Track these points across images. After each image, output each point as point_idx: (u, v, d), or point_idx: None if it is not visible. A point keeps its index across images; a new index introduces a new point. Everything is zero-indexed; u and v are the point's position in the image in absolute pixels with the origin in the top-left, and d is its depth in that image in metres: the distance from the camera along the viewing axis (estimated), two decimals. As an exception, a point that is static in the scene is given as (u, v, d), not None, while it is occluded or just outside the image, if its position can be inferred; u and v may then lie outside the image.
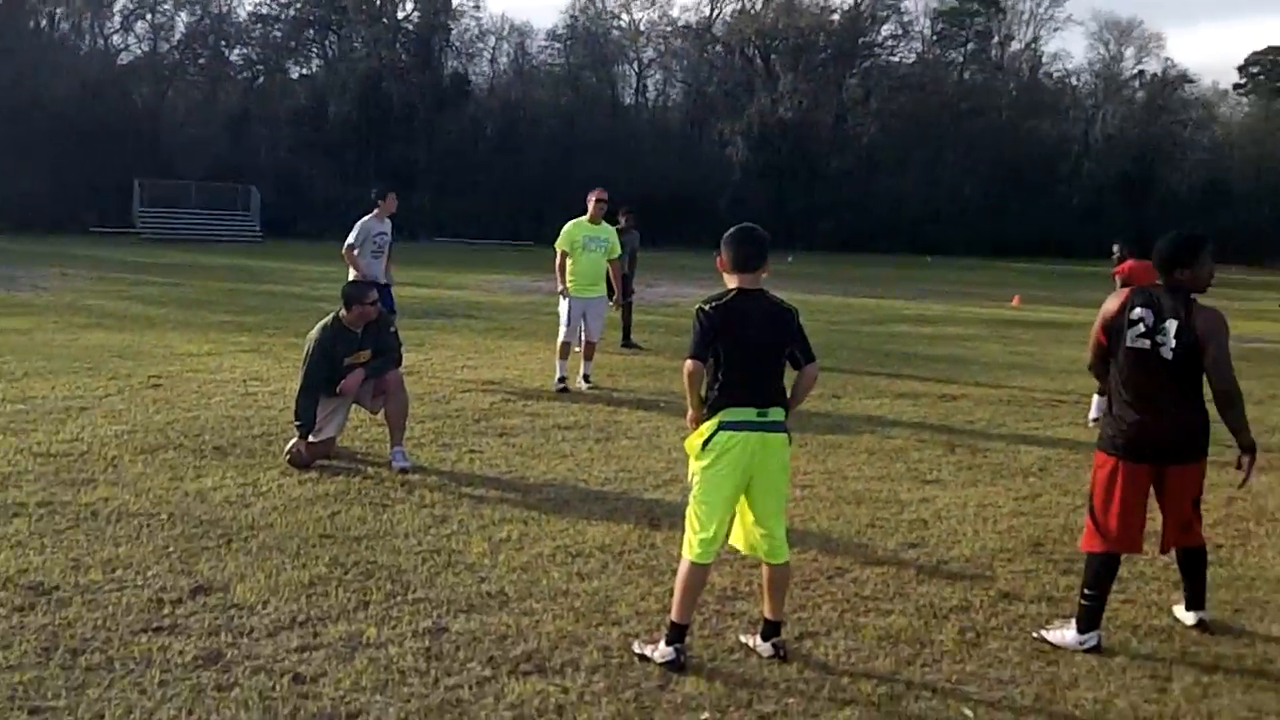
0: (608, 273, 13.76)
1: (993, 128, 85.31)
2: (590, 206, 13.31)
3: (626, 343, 17.16)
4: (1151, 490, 5.73)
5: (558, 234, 13.29)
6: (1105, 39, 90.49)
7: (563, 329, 13.18)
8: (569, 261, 13.18)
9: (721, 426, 5.13)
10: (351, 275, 12.26)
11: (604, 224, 13.49)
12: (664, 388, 13.09)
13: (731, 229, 5.41)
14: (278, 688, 4.76)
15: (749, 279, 5.28)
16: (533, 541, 6.93)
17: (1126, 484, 5.62)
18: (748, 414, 5.13)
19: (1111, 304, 5.82)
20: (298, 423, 8.66)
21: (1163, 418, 5.59)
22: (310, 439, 8.67)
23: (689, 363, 5.21)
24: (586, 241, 13.18)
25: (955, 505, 8.32)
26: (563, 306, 13.28)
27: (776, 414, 5.22)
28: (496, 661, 5.09)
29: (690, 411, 5.34)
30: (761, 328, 5.26)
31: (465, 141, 73.71)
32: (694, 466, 5.23)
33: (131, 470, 8.32)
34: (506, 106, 78.36)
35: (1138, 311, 5.64)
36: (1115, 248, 12.27)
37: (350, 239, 12.74)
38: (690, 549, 5.18)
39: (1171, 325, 5.53)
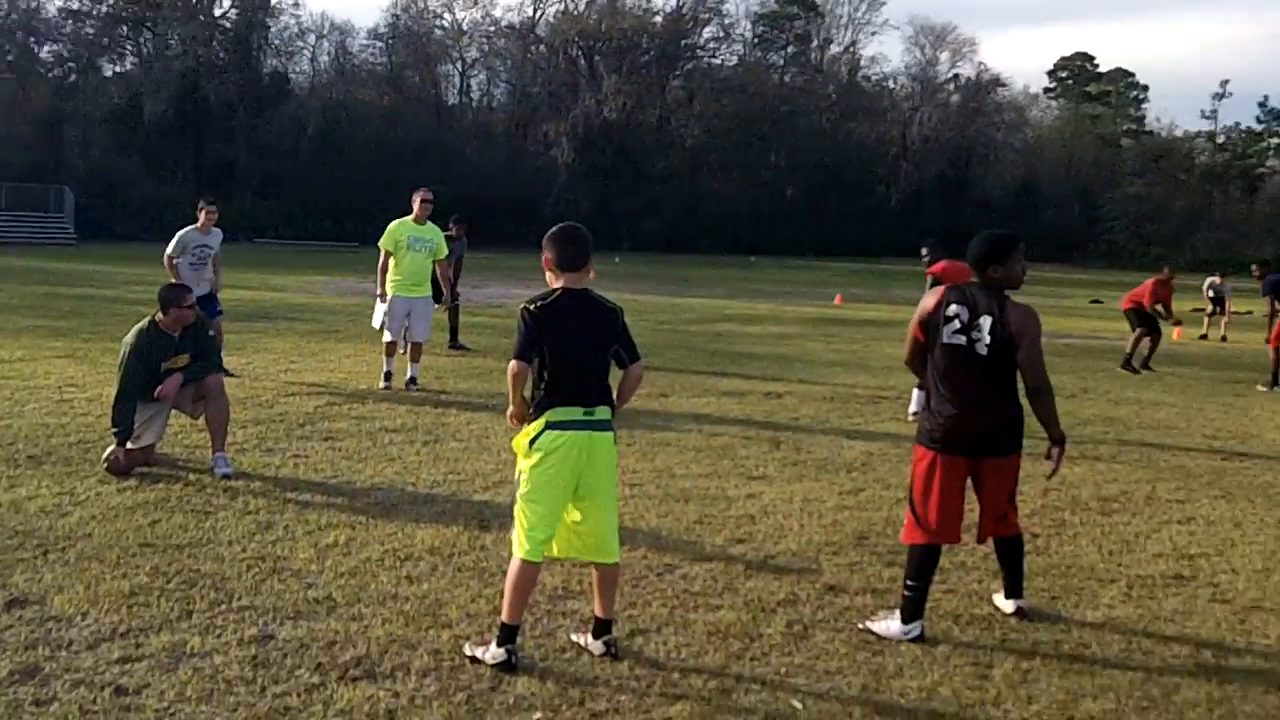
0: (434, 274, 13.70)
1: (813, 130, 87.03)
2: (415, 207, 13.23)
3: (454, 344, 17.06)
4: (969, 482, 5.90)
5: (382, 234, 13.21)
6: (921, 43, 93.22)
7: (381, 326, 13.27)
8: (392, 261, 13.09)
9: (548, 426, 5.12)
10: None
11: (429, 224, 13.40)
12: (492, 389, 13.04)
13: (555, 228, 5.39)
14: (99, 700, 4.61)
15: (574, 278, 5.27)
16: (360, 546, 6.84)
17: (945, 477, 5.77)
18: (574, 413, 5.14)
19: (928, 301, 5.97)
20: (115, 429, 8.39)
21: (979, 412, 5.75)
22: (129, 446, 8.41)
23: (513, 363, 5.18)
24: (411, 241, 13.10)
25: (781, 500, 8.45)
26: (381, 307, 13.25)
27: (603, 413, 5.23)
28: (325, 668, 5.01)
29: (512, 409, 5.33)
30: (587, 327, 5.26)
31: (286, 141, 72.58)
32: (522, 465, 5.21)
33: (-62, 482, 7.99)
34: (328, 106, 77.30)
35: (953, 308, 5.79)
36: (924, 250, 12.62)
37: (169, 249, 13.01)
38: (520, 547, 5.16)
39: (986, 321, 5.70)
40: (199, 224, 13.16)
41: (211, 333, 9.05)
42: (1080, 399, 14.43)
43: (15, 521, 7.06)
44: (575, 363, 5.19)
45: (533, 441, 5.14)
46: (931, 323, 5.86)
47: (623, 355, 5.35)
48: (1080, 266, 78.46)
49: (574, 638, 5.45)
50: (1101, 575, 6.97)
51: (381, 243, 13.19)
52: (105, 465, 8.36)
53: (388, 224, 13.29)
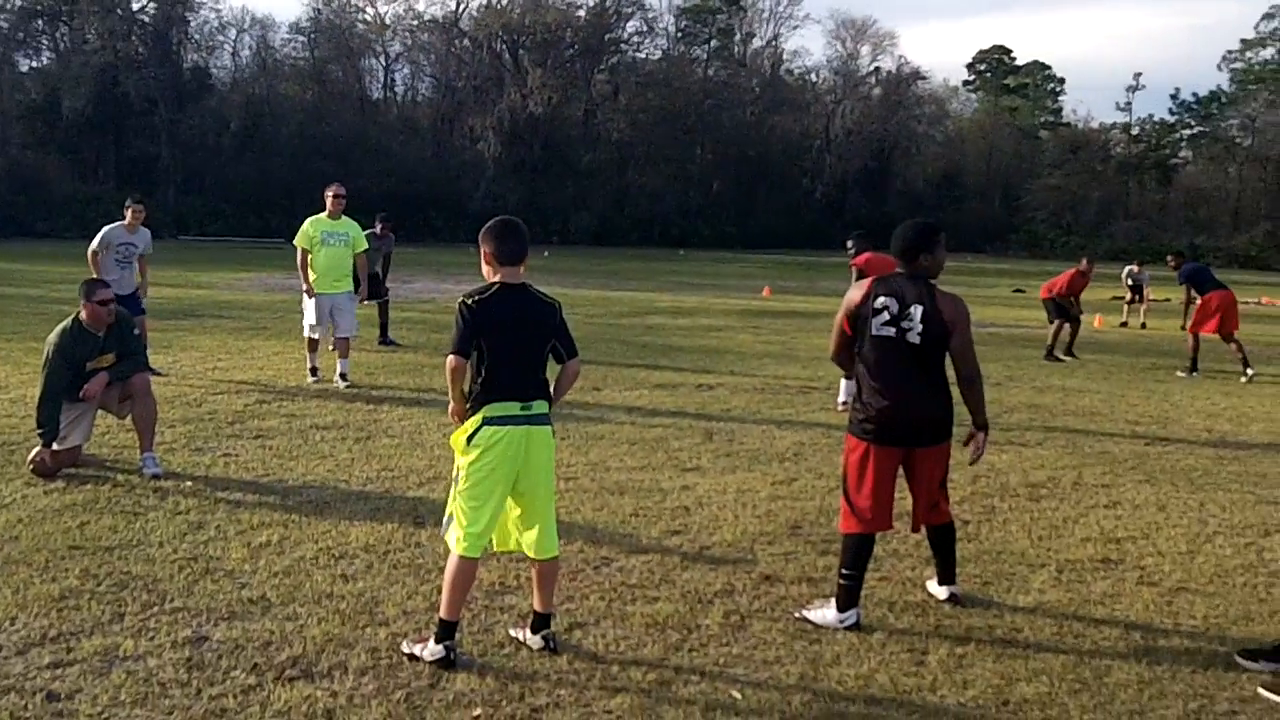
0: (355, 268, 13.65)
1: (738, 123, 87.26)
2: (329, 203, 13.25)
3: (384, 340, 16.97)
4: (901, 471, 5.96)
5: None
6: (842, 36, 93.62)
7: (307, 326, 13.29)
8: (310, 258, 13.10)
9: (486, 421, 5.10)
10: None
11: (345, 218, 13.35)
12: (424, 384, 12.98)
13: (492, 222, 5.36)
14: (30, 707, 4.55)
15: (512, 272, 5.26)
16: (294, 545, 6.78)
17: (878, 466, 5.82)
18: (512, 408, 5.13)
19: (855, 294, 6.00)
20: (40, 430, 8.25)
21: (912, 402, 5.81)
22: (55, 447, 8.28)
23: (451, 358, 5.15)
24: (326, 237, 13.11)
25: (715, 492, 8.49)
26: (308, 304, 13.21)
27: (540, 407, 5.23)
28: (261, 668, 4.97)
29: (453, 405, 5.31)
30: (525, 322, 5.24)
31: (209, 137, 71.68)
32: (460, 461, 5.19)
33: None
34: (251, 101, 76.42)
35: (881, 300, 5.84)
36: (849, 243, 12.71)
37: (93, 243, 12.95)
38: (458, 543, 5.13)
39: (917, 311, 5.75)
40: (126, 222, 13.10)
41: (136, 331, 8.91)
42: (1006, 387, 14.61)
43: (-61, 526, 6.94)
44: (513, 357, 5.17)
45: (470, 438, 5.12)
46: (860, 315, 5.90)
47: (560, 350, 5.35)
48: (1002, 256, 79.43)
49: (512, 632, 5.45)
50: (1032, 560, 7.06)
51: (297, 241, 13.26)
52: (31, 467, 8.22)
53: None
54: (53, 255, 37.60)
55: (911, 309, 5.77)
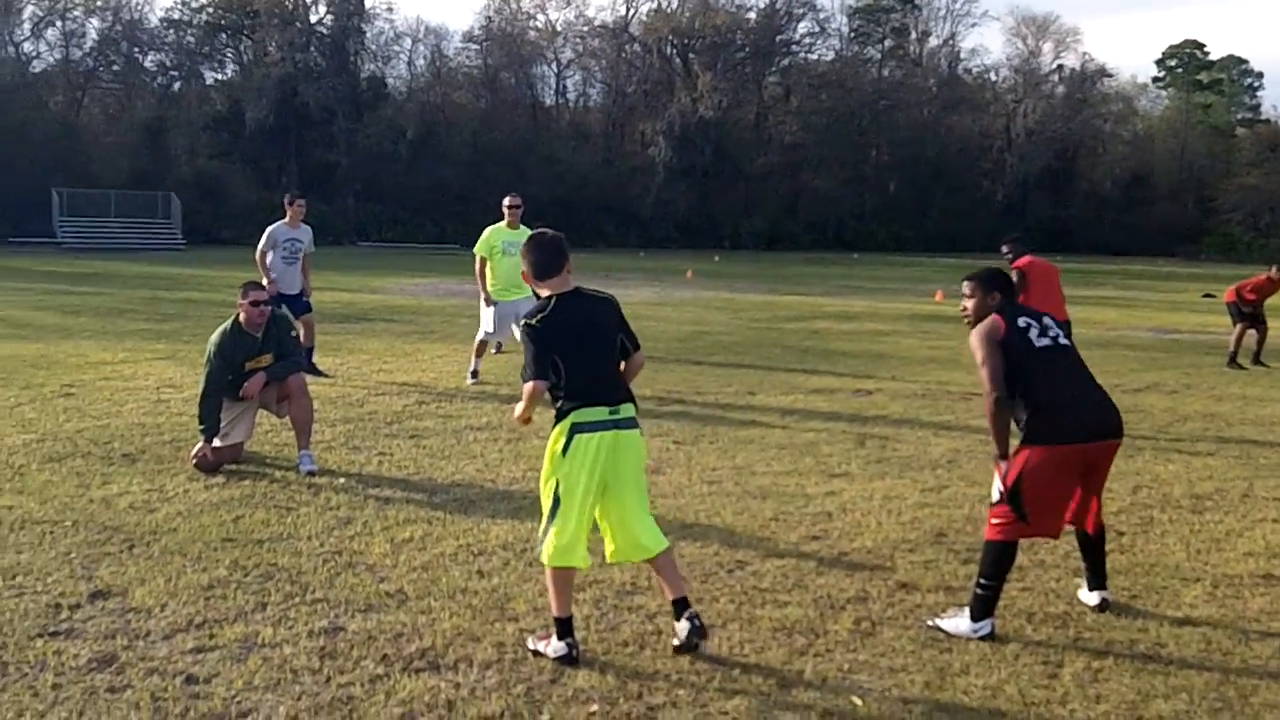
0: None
1: (914, 124, 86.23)
2: (506, 214, 13.43)
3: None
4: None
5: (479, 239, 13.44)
6: (1023, 34, 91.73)
7: (483, 332, 13.45)
8: (488, 266, 13.27)
9: (575, 429, 5.16)
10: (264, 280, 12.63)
11: (522, 227, 13.27)
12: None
13: (527, 237, 5.48)
14: (170, 689, 4.75)
15: (557, 283, 5.32)
16: (435, 541, 6.93)
17: (1066, 468, 5.67)
18: (600, 414, 5.17)
19: (990, 328, 5.86)
20: (201, 427, 8.61)
21: (1089, 395, 5.79)
22: (217, 443, 8.62)
23: (531, 385, 5.21)
24: (505, 246, 13.09)
25: (861, 498, 8.40)
26: (486, 311, 13.38)
27: (628, 410, 5.27)
28: (390, 659, 5.10)
29: (522, 412, 5.35)
30: (590, 325, 5.31)
31: (385, 145, 73.55)
32: (548, 471, 5.25)
33: (38, 478, 8.23)
34: (425, 109, 78.13)
35: (1021, 320, 5.81)
36: (1005, 247, 12.44)
37: (262, 245, 13.39)
38: (548, 555, 5.18)
39: (1047, 321, 5.84)
40: (287, 218, 13.51)
41: (294, 333, 9.20)
42: (1182, 395, 14.11)
43: (105, 517, 7.27)
44: (589, 363, 5.23)
45: (565, 449, 5.18)
46: (1011, 342, 5.79)
47: (627, 345, 5.41)
48: (1194, 260, 76.75)
49: (675, 643, 5.36)
50: (1186, 574, 6.81)
51: (477, 249, 13.38)
52: (193, 463, 8.57)
53: (485, 226, 13.51)
54: (234, 261, 38.92)
55: (1043, 320, 5.79)
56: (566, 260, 5.37)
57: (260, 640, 5.28)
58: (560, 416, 5.22)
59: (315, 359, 13.57)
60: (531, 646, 5.22)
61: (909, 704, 4.85)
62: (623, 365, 5.45)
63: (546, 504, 5.26)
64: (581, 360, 5.20)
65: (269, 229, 13.51)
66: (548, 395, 5.29)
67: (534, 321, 5.21)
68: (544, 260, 5.35)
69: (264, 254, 13.30)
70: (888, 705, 4.84)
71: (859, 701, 4.84)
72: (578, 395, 5.18)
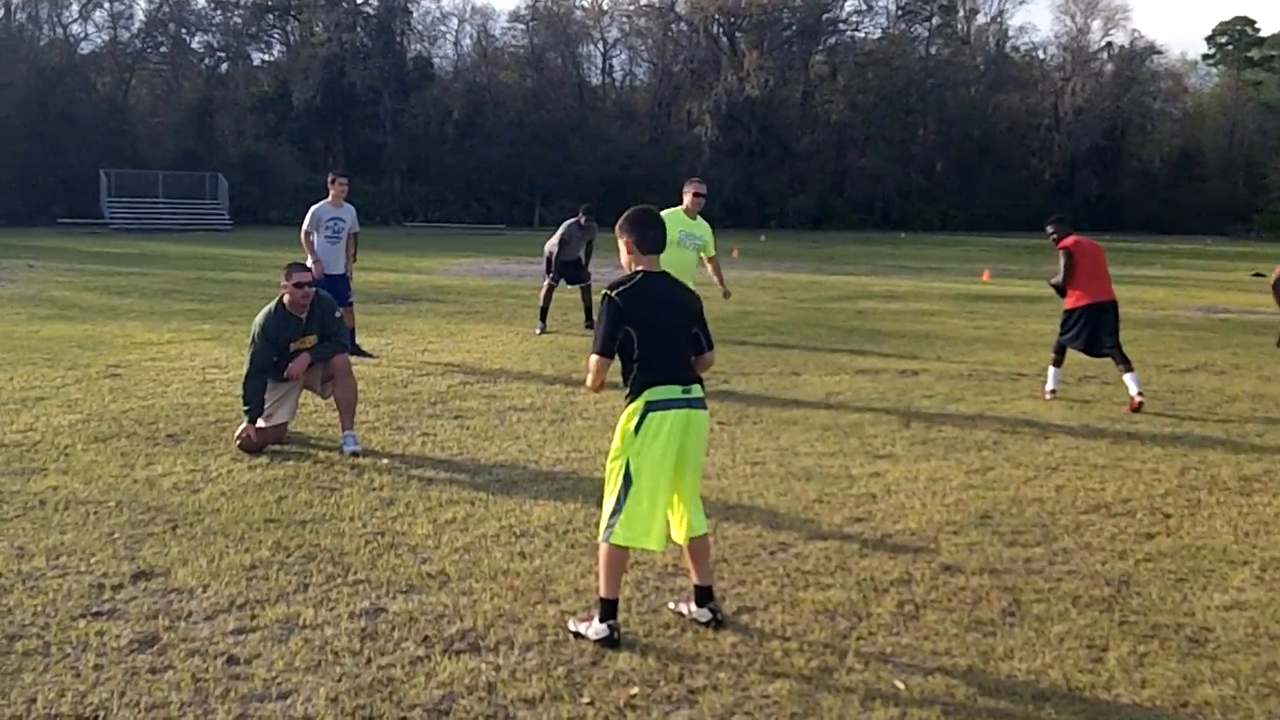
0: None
1: (962, 103, 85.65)
2: (687, 199, 12.13)
3: (590, 323, 17.20)
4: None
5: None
6: (1071, 11, 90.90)
7: None
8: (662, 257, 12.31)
9: (649, 407, 5.13)
10: (309, 260, 12.77)
11: (700, 219, 12.31)
12: (623, 368, 13.07)
13: (633, 212, 5.40)
14: (211, 669, 4.76)
15: (654, 260, 5.31)
16: (478, 522, 6.93)
17: None
18: (673, 392, 5.15)
19: None
20: (246, 408, 8.65)
21: None
22: (261, 424, 8.65)
23: (595, 359, 5.22)
24: (683, 237, 11.89)
25: (905, 479, 8.34)
26: None
27: (697, 391, 5.25)
28: (431, 641, 5.10)
29: (590, 380, 5.33)
30: (673, 306, 5.30)
31: (431, 125, 73.72)
32: (618, 450, 5.22)
33: (83, 458, 8.30)
34: (471, 89, 78.35)
35: None
36: (1049, 228, 12.29)
37: (306, 225, 13.36)
38: (616, 534, 5.13)
39: None
40: (330, 197, 13.49)
41: (338, 313, 9.22)
42: (1231, 375, 13.92)
43: (149, 497, 7.32)
44: (665, 342, 5.22)
45: (638, 427, 5.15)
46: None
47: (701, 339, 5.39)
48: (1245, 238, 75.83)
49: (677, 608, 5.48)
50: (1234, 557, 6.72)
51: None
52: (237, 443, 8.61)
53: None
54: (280, 242, 39.14)
55: None
56: (665, 244, 5.41)
57: (302, 621, 5.29)
58: (634, 394, 5.19)
59: (359, 340, 13.59)
60: (573, 628, 5.21)
61: (951, 687, 4.80)
62: (692, 359, 5.43)
63: (615, 483, 5.21)
64: (658, 337, 5.19)
65: (312, 209, 13.47)
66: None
67: (614, 294, 5.18)
68: (655, 236, 5.36)
69: (308, 234, 13.27)
70: (931, 689, 4.79)
71: (901, 685, 4.80)
72: (651, 371, 5.16)
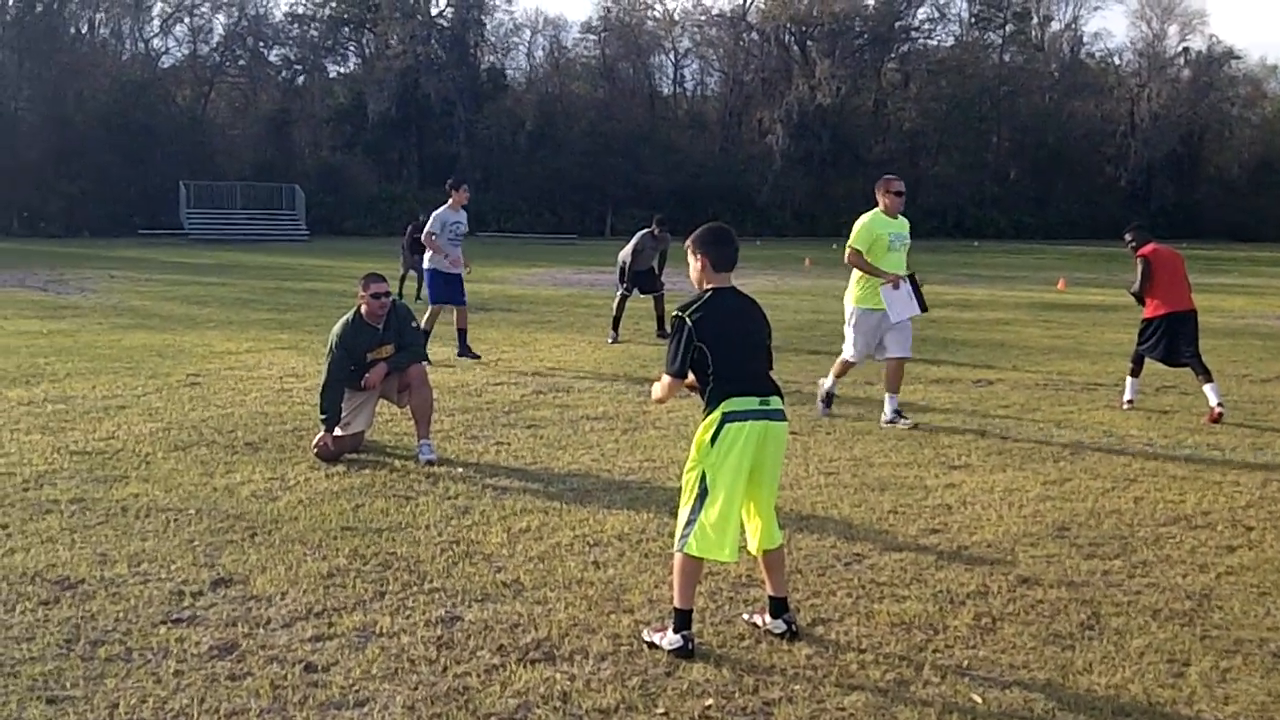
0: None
1: (1035, 110, 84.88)
2: (885, 199, 11.01)
3: (662, 333, 17.21)
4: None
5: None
6: (1147, 17, 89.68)
7: (850, 351, 11.28)
8: (872, 261, 10.89)
9: (726, 419, 5.12)
10: (429, 258, 14.50)
11: (901, 218, 11.13)
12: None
13: (707, 229, 5.40)
14: (289, 677, 4.81)
15: (725, 278, 5.30)
16: (552, 531, 6.96)
17: None
18: (750, 403, 5.15)
19: None
20: (323, 416, 8.74)
21: None
22: (338, 432, 8.75)
23: (667, 380, 5.27)
24: (893, 239, 10.90)
25: (981, 490, 8.27)
26: (859, 328, 11.18)
27: (776, 403, 5.24)
28: (506, 649, 5.12)
29: (659, 394, 5.39)
30: (747, 320, 5.32)
31: (504, 135, 74.25)
32: (694, 460, 5.21)
33: (163, 466, 8.43)
34: (544, 100, 78.83)
35: None
36: (1128, 235, 12.13)
37: (431, 227, 14.60)
38: (690, 545, 5.11)
39: None
40: (450, 203, 14.67)
41: (415, 323, 9.29)
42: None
43: (228, 505, 7.42)
44: (741, 355, 5.21)
45: (714, 438, 5.14)
46: None
47: (771, 354, 5.43)
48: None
49: (751, 619, 5.47)
50: (1319, 570, 6.61)
51: (853, 241, 10.93)
52: (315, 452, 8.70)
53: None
54: (357, 252, 39.54)
55: None
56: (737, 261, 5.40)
57: (378, 629, 5.34)
58: (711, 406, 5.19)
59: (432, 341, 13.75)
60: (647, 638, 5.21)
61: (1029, 701, 4.75)
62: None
63: (691, 494, 5.21)
64: (733, 350, 5.19)
65: (435, 213, 14.73)
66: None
67: (686, 315, 5.17)
68: (731, 254, 5.34)
69: (433, 236, 14.44)
70: (1008, 703, 4.74)
71: (979, 699, 4.76)
72: (728, 383, 5.16)
